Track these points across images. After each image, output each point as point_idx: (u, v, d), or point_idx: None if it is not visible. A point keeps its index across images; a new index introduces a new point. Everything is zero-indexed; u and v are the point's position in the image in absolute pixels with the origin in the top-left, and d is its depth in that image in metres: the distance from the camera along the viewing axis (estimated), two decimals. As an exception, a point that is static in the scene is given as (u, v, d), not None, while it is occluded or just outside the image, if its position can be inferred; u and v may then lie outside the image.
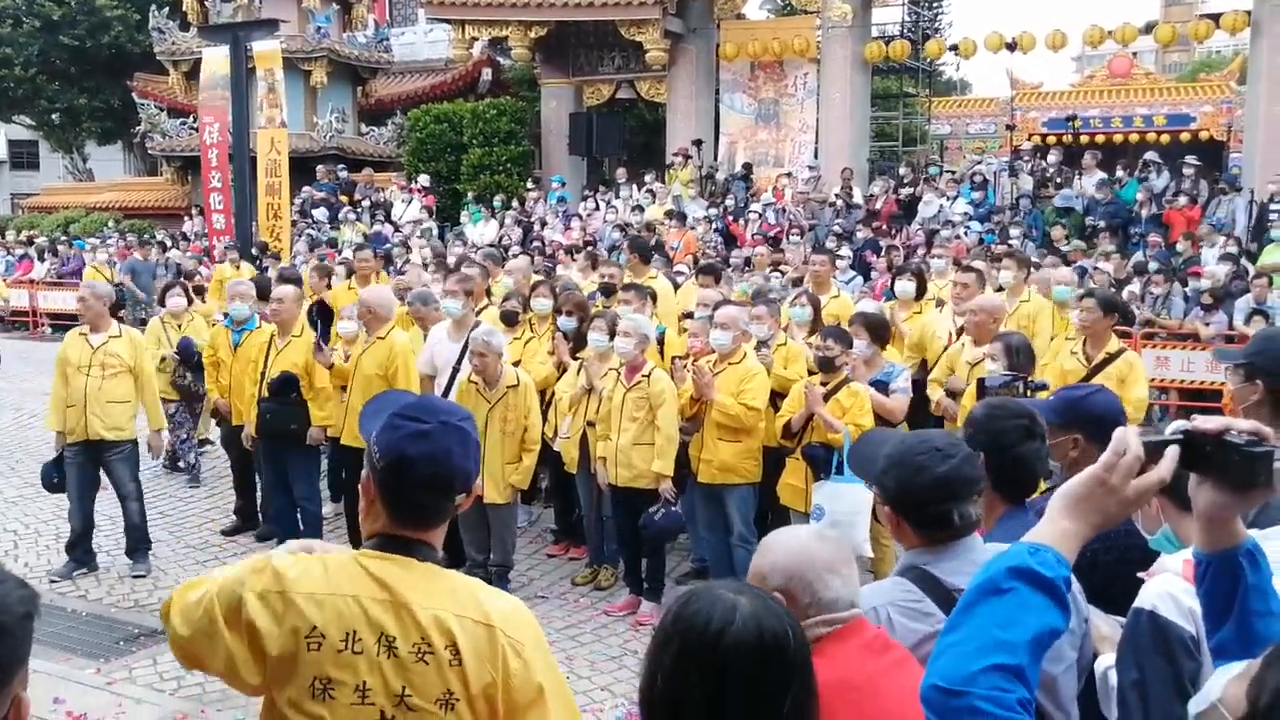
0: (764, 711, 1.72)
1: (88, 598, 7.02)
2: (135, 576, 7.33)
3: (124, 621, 6.61)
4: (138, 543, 7.51)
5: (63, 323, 18.02)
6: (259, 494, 8.36)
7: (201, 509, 9.02)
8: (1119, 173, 17.04)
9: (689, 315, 7.99)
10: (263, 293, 8.80)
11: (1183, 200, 15.34)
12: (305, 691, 2.08)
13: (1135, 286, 12.80)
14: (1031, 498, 2.96)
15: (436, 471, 2.16)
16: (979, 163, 18.88)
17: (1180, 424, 1.73)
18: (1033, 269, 9.08)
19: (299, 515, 7.78)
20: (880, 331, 6.81)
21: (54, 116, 34.13)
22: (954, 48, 19.84)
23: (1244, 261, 13.33)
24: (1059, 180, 17.15)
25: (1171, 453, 1.68)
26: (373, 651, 2.08)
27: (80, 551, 7.43)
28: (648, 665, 1.78)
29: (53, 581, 7.21)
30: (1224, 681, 1.59)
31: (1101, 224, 14.73)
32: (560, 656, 6.03)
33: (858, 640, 2.20)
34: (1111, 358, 6.55)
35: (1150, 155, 17.16)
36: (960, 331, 7.32)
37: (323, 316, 7.81)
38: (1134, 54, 29.24)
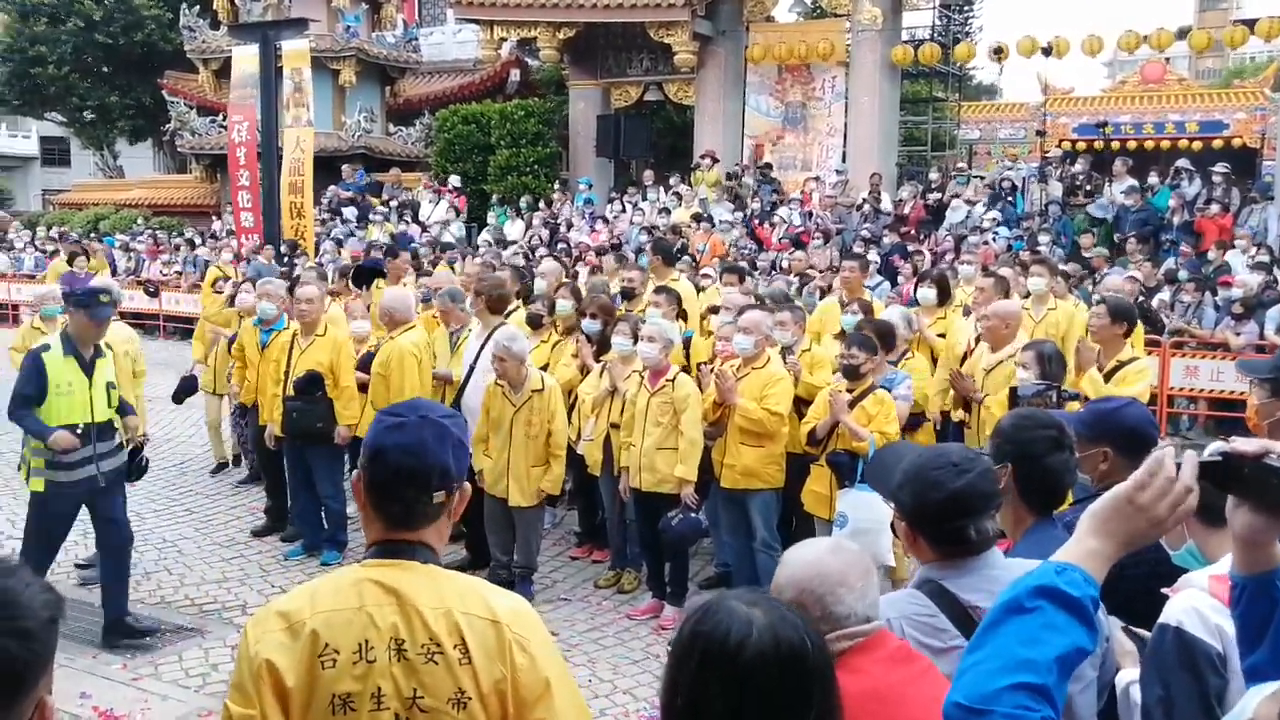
0: (786, 722, 1.71)
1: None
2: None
3: (151, 618, 6.63)
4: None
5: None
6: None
7: (227, 506, 9.07)
8: (1151, 179, 16.88)
9: (714, 310, 7.98)
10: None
11: (1214, 208, 15.18)
12: (325, 712, 2.08)
13: (1166, 295, 12.70)
14: (1059, 509, 2.94)
15: (411, 463, 2.17)
16: (1010, 169, 18.70)
17: (1219, 445, 1.71)
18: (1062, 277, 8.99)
19: (323, 514, 7.84)
20: (885, 338, 6.75)
21: (85, 114, 34.45)
22: (998, 51, 19.38)
23: (1276, 271, 13.20)
24: (1089, 187, 17.00)
25: (1190, 457, 1.66)
26: (384, 657, 2.09)
27: None
28: (668, 678, 1.78)
29: (80, 569, 7.27)
30: (1256, 700, 1.57)
31: (1131, 232, 14.60)
32: (582, 659, 6.03)
33: (882, 652, 2.19)
34: (1122, 365, 6.47)
35: (1182, 162, 16.97)
36: (979, 338, 7.26)
37: None
38: (1167, 59, 28.94)
